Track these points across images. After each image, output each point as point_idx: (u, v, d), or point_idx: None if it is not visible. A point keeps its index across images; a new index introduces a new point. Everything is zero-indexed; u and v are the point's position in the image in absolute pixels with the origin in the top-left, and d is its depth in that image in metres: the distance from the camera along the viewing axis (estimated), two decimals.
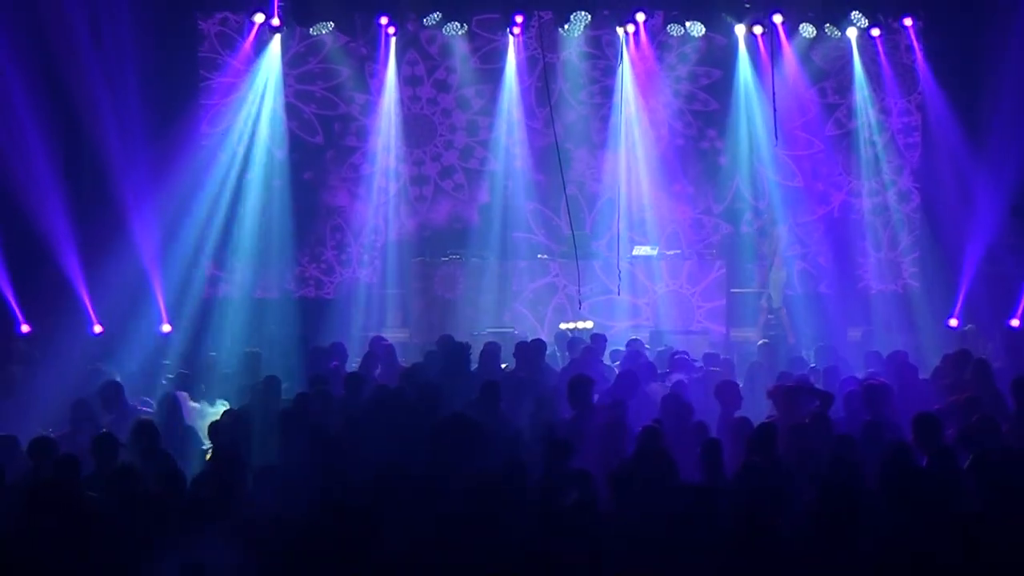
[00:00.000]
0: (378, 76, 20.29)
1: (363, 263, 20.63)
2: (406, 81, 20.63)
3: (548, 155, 19.66)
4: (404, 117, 20.65)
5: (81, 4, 17.09)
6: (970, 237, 19.13)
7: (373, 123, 20.52)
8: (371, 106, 20.50)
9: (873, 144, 20.73)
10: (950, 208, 19.68)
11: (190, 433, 11.69)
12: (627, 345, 14.79)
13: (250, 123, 19.85)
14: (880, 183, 20.83)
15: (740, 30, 19.67)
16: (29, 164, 16.84)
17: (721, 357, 15.02)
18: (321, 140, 20.63)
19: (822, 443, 10.30)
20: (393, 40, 19.97)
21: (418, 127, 20.78)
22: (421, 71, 20.71)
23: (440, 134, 20.86)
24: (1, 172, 16.77)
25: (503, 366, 14.09)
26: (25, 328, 16.79)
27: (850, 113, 20.81)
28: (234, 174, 19.70)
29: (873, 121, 20.72)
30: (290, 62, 20.39)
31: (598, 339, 14.96)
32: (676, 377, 12.87)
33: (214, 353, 14.67)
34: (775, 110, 16.92)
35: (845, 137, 20.84)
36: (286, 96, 20.33)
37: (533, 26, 19.69)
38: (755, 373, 13.80)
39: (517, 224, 20.56)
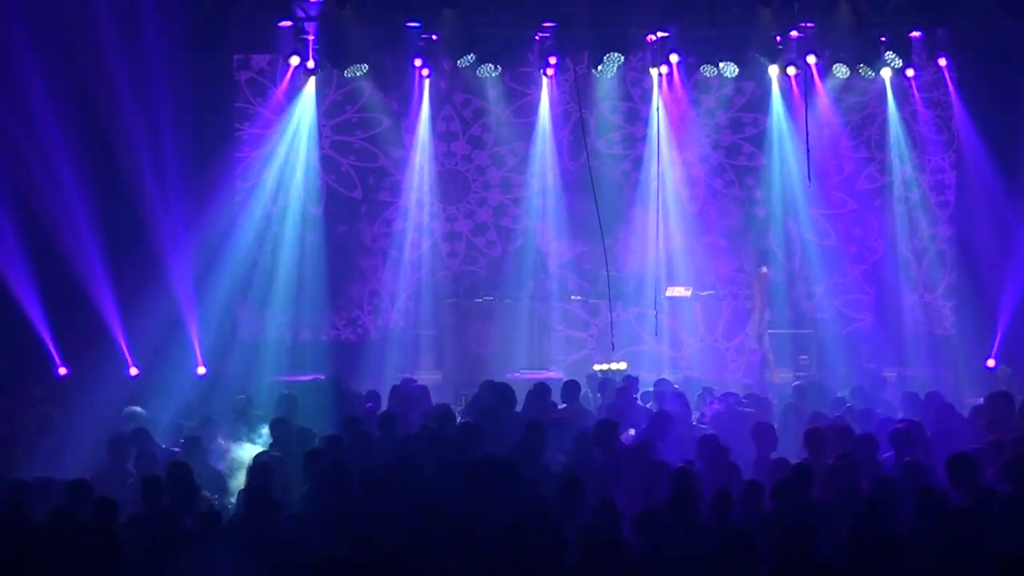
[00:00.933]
0: (412, 130, 20.48)
1: (396, 305, 20.69)
2: (441, 137, 20.84)
3: (582, 197, 19.73)
4: (439, 173, 20.83)
5: (120, 48, 17.24)
6: (1008, 278, 19.04)
7: (407, 178, 20.69)
8: (405, 160, 20.67)
9: (907, 200, 20.72)
10: (987, 249, 19.60)
11: (214, 476, 11.71)
12: (655, 385, 14.73)
13: (285, 177, 20.12)
14: (915, 231, 20.83)
15: (774, 71, 19.70)
16: (67, 208, 16.98)
17: (759, 397, 14.95)
18: (359, 194, 20.79)
19: (857, 485, 10.23)
20: (426, 93, 20.16)
21: (452, 183, 20.93)
22: (456, 127, 20.88)
23: (474, 191, 20.96)
24: (41, 216, 16.92)
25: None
26: (63, 370, 16.89)
27: (883, 168, 20.86)
28: (268, 227, 19.99)
29: (908, 177, 20.75)
30: (328, 111, 20.60)
31: (630, 380, 14.93)
32: (711, 413, 12.84)
33: (242, 396, 14.67)
34: (808, 150, 16.91)
35: (879, 193, 20.82)
36: (322, 148, 20.54)
37: (568, 68, 19.74)
38: (789, 414, 13.74)
39: (550, 266, 20.56)
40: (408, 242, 20.72)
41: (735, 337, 19.43)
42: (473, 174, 20.94)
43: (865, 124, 20.83)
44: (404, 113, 20.51)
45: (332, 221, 20.67)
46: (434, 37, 19.13)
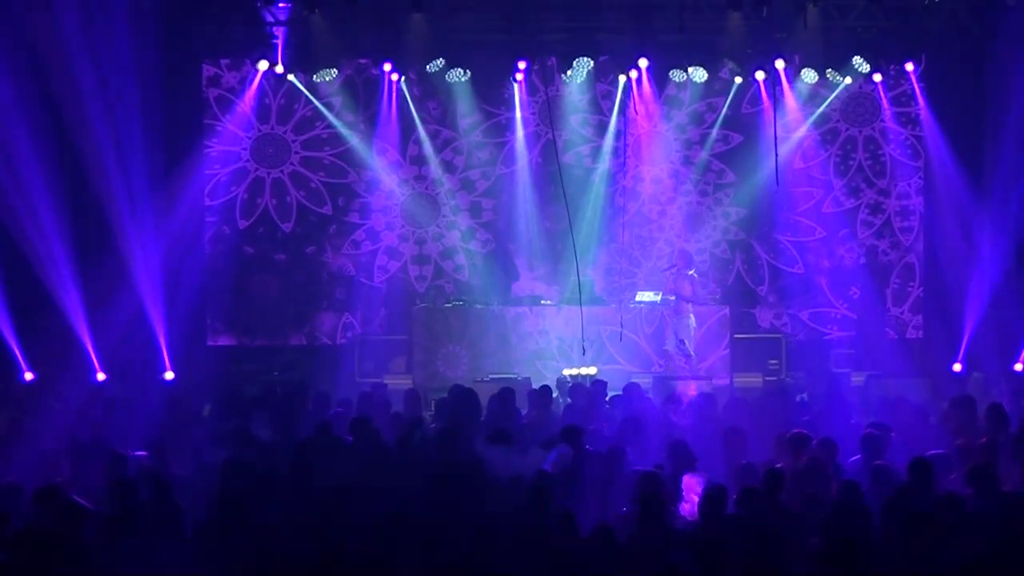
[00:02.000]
0: (382, 152, 20.55)
1: (365, 309, 20.74)
2: (412, 161, 20.88)
3: (553, 199, 19.81)
4: (409, 195, 20.88)
5: (87, 53, 17.17)
6: (974, 283, 19.14)
7: (377, 200, 20.79)
8: (374, 182, 20.73)
9: (871, 224, 20.93)
10: (954, 254, 19.70)
11: (182, 482, 11.64)
12: (625, 390, 14.71)
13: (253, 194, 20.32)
14: (882, 243, 21.01)
15: (739, 79, 19.84)
16: (34, 212, 16.91)
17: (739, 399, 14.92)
18: (329, 211, 20.84)
19: (825, 489, 10.26)
20: (394, 109, 20.21)
21: (422, 207, 20.95)
22: (427, 151, 20.86)
23: (443, 215, 20.96)
24: (6, 220, 16.83)
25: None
26: (29, 376, 16.79)
27: (849, 191, 21.06)
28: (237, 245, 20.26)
29: (873, 203, 21.00)
30: (297, 127, 20.61)
31: (599, 385, 14.92)
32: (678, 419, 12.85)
33: (209, 404, 14.62)
34: (776, 155, 16.96)
35: (845, 217, 21.03)
36: (292, 163, 20.53)
37: (538, 89, 19.79)
38: (756, 418, 13.74)
39: (520, 271, 20.57)
40: (376, 265, 20.87)
41: (701, 329, 19.45)
42: (443, 197, 20.97)
43: (831, 140, 20.95)
44: (373, 131, 20.54)
45: (301, 241, 20.88)
46: (403, 41, 19.09)
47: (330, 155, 20.92)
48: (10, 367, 16.74)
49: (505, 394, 13.82)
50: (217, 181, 20.59)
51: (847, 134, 21.10)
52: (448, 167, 20.96)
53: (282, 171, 20.86)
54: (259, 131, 20.80)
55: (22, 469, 11.62)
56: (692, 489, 10.34)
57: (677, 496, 10.26)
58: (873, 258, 21.05)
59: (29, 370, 16.83)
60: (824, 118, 20.84)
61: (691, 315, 18.43)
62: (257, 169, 20.85)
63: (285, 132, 20.85)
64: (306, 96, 20.48)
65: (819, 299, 21.09)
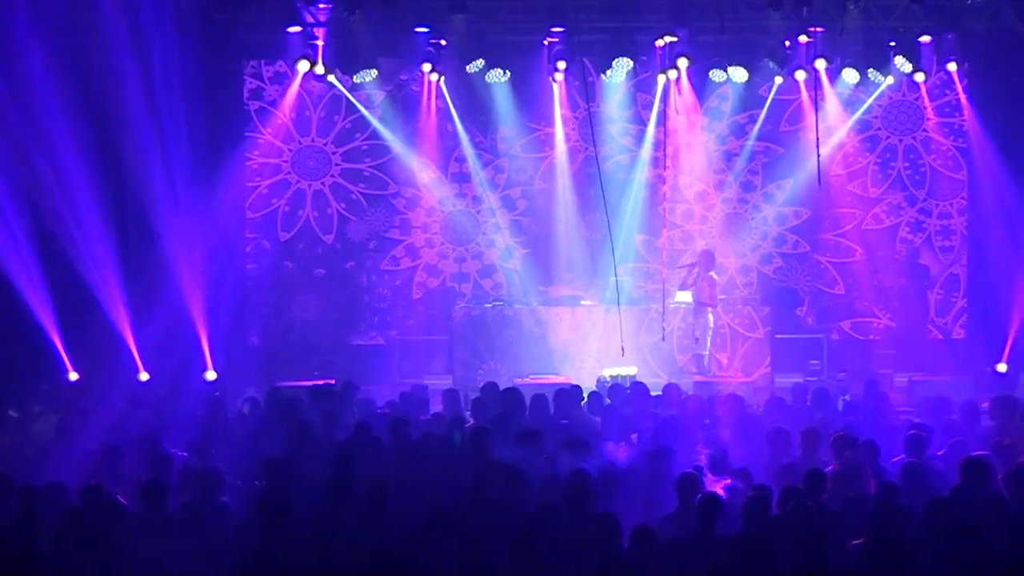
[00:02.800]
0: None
1: (405, 310, 20.81)
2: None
3: (591, 197, 19.84)
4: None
5: (130, 51, 17.28)
6: (1019, 283, 19.01)
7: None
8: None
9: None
10: (998, 254, 19.57)
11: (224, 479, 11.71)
12: (664, 390, 14.69)
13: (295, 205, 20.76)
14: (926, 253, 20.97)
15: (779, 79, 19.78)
16: (77, 212, 17.03)
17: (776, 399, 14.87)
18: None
19: (866, 489, 10.22)
20: (433, 118, 20.24)
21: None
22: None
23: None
24: (51, 222, 16.95)
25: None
26: (73, 376, 16.90)
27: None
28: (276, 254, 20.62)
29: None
30: (337, 139, 20.76)
31: (639, 386, 14.89)
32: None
33: (249, 401, 14.67)
34: (818, 155, 16.89)
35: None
36: (333, 174, 20.71)
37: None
38: (794, 417, 13.69)
39: (560, 271, 20.59)
40: (415, 282, 21.01)
41: (744, 342, 19.39)
42: (484, 215, 21.04)
43: (871, 147, 20.87)
44: (414, 143, 20.64)
45: (341, 257, 20.95)
46: (443, 42, 19.13)
47: (370, 167, 21.01)
48: (55, 367, 16.84)
49: (549, 394, 13.84)
50: (258, 193, 20.72)
51: (887, 142, 20.99)
52: (489, 184, 21.00)
53: (323, 183, 20.97)
54: (300, 143, 20.89)
55: (67, 468, 11.70)
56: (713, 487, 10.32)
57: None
58: (914, 258, 20.91)
59: (74, 370, 16.93)
60: (865, 125, 20.75)
61: (709, 314, 18.43)
62: (298, 181, 20.95)
63: (326, 144, 20.96)
64: (346, 109, 20.63)
65: (861, 310, 21.01)
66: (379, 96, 20.46)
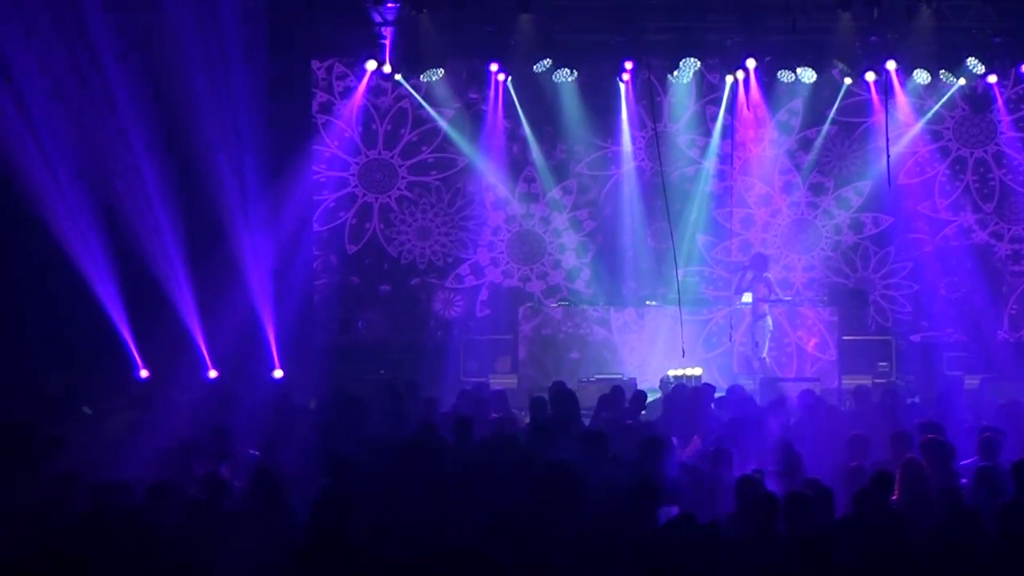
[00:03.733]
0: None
1: (472, 309, 20.86)
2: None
3: (657, 196, 19.77)
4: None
5: (200, 51, 17.45)
6: None
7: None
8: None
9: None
10: None
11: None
12: (728, 391, 14.63)
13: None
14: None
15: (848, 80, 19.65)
16: (148, 211, 17.22)
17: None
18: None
19: (937, 492, 10.12)
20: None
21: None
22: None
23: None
24: (122, 220, 17.15)
25: None
26: (144, 373, 17.08)
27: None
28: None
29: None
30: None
31: (705, 387, 14.84)
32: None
33: (315, 400, 14.77)
34: (888, 156, 16.76)
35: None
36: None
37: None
38: (863, 419, 13.59)
39: (625, 271, 20.57)
40: (479, 300, 21.15)
41: (809, 330, 19.29)
42: (550, 236, 21.07)
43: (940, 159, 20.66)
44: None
45: (406, 274, 21.05)
46: (510, 42, 19.15)
47: (436, 179, 21.08)
48: (126, 365, 17.03)
49: (615, 393, 13.82)
50: (325, 207, 20.86)
51: (957, 154, 20.81)
52: (556, 205, 21.02)
53: (389, 196, 21.06)
54: (366, 156, 20.99)
55: (138, 465, 11.82)
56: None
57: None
58: (987, 258, 20.70)
59: (144, 367, 17.11)
60: (936, 135, 20.55)
61: (768, 317, 18.37)
62: (365, 195, 21.06)
63: (392, 157, 21.04)
64: (412, 121, 20.77)
65: (936, 297, 20.82)
66: (448, 113, 20.51)
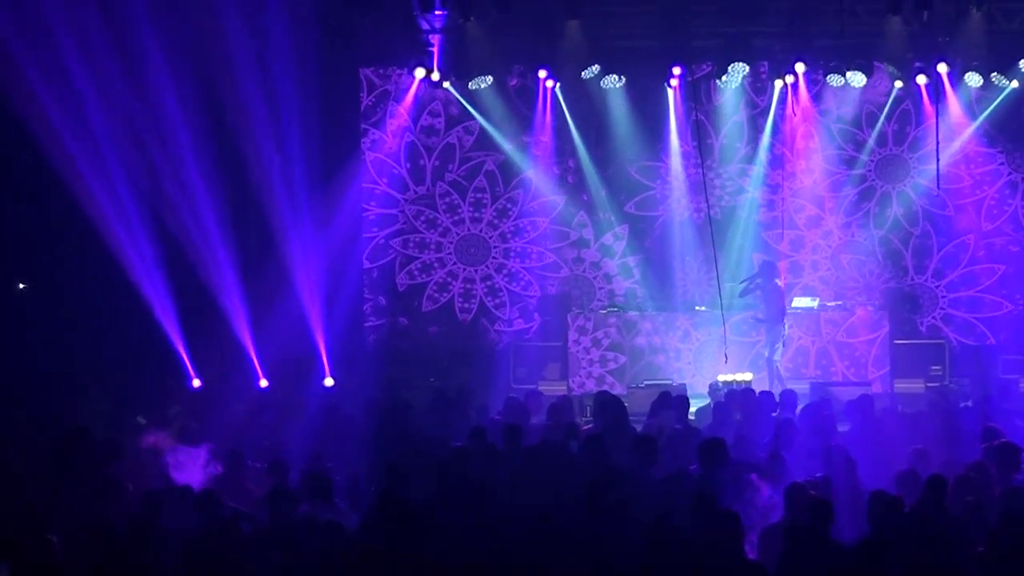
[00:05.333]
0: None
1: (521, 315, 20.87)
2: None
3: (705, 208, 19.72)
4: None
5: (250, 58, 17.54)
6: None
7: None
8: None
9: None
10: None
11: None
12: (781, 396, 14.56)
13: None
14: None
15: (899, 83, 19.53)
16: (199, 219, 17.31)
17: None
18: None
19: (991, 496, 10.04)
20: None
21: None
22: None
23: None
24: (174, 227, 17.25)
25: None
26: (196, 382, 17.16)
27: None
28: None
29: None
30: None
31: (754, 393, 14.77)
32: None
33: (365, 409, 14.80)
34: (938, 160, 16.65)
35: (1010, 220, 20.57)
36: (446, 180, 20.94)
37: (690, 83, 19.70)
38: (918, 424, 13.49)
39: (674, 276, 20.54)
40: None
41: (861, 335, 19.19)
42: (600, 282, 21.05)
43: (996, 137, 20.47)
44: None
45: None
46: (558, 47, 19.14)
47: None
48: (179, 373, 17.12)
49: (664, 399, 13.79)
50: (376, 244, 20.90)
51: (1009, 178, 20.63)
52: (607, 251, 20.97)
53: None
54: (415, 192, 21.02)
55: (190, 474, 11.89)
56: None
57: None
58: None
59: (196, 376, 17.20)
60: (991, 140, 20.37)
61: (785, 325, 18.30)
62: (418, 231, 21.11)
63: (443, 197, 21.06)
64: (459, 160, 20.80)
65: (985, 298, 20.63)
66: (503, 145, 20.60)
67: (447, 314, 21.12)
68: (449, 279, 21.09)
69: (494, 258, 21.08)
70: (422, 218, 21.03)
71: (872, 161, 20.71)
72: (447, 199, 21.03)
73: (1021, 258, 20.59)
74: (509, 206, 21.04)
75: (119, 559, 8.58)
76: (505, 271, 21.09)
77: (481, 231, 21.05)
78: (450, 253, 21.07)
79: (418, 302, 21.13)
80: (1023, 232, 20.60)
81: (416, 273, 21.12)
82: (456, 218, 21.07)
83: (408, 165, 20.86)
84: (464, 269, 21.10)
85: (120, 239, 16.70)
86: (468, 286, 21.13)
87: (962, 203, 20.62)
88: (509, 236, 21.07)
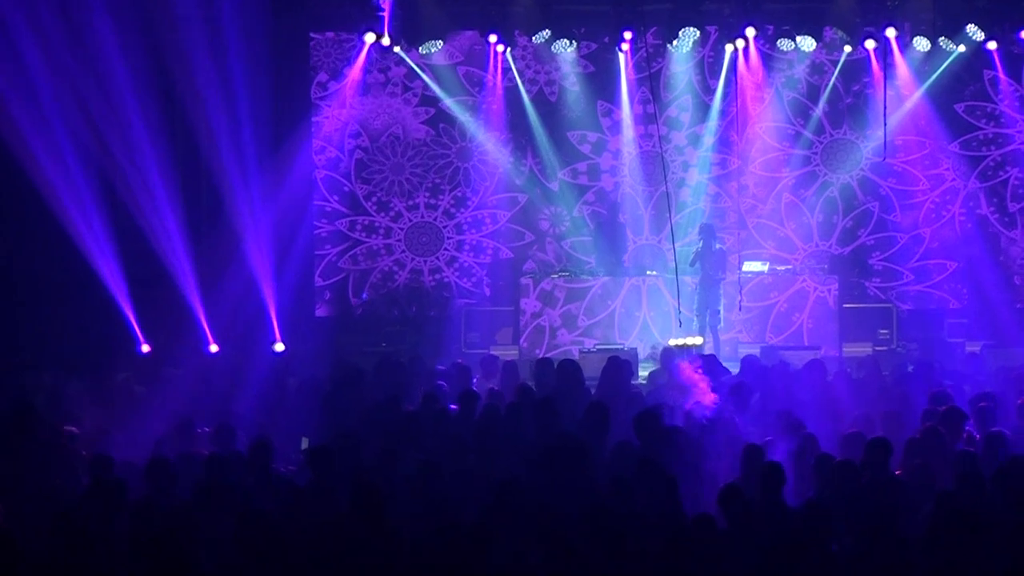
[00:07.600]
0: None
1: (472, 280, 20.86)
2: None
3: (656, 172, 19.72)
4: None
5: (198, 23, 17.38)
6: None
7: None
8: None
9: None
10: None
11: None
12: (743, 361, 14.61)
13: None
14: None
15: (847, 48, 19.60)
16: (148, 185, 17.18)
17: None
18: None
19: (940, 458, 10.12)
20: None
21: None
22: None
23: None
24: (122, 193, 17.11)
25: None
26: (145, 348, 17.06)
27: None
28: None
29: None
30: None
31: (707, 358, 14.80)
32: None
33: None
34: (885, 125, 16.71)
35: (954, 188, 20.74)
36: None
37: (641, 48, 19.67)
38: (867, 387, 13.59)
39: (625, 241, 20.58)
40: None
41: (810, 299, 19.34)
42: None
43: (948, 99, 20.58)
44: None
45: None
46: (509, 12, 19.07)
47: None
48: (128, 339, 17.01)
49: (616, 364, 13.78)
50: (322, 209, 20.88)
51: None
52: (556, 218, 21.02)
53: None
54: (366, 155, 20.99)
55: (138, 440, 11.83)
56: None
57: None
58: (985, 228, 20.73)
59: (145, 342, 17.10)
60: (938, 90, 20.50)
61: (720, 287, 18.46)
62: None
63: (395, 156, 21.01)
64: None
65: (933, 264, 20.80)
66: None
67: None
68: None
69: (445, 234, 21.02)
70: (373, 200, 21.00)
71: (820, 127, 20.78)
72: (391, 162, 20.97)
73: (963, 225, 20.76)
74: (458, 177, 21.02)
75: (68, 524, 8.51)
76: (455, 242, 21.05)
77: (429, 202, 20.99)
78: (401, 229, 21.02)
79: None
80: (965, 204, 20.78)
81: (361, 258, 21.12)
82: (408, 201, 21.01)
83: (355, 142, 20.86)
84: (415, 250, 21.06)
85: (68, 207, 16.55)
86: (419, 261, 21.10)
87: (911, 167, 20.77)
88: (456, 209, 21.02)
